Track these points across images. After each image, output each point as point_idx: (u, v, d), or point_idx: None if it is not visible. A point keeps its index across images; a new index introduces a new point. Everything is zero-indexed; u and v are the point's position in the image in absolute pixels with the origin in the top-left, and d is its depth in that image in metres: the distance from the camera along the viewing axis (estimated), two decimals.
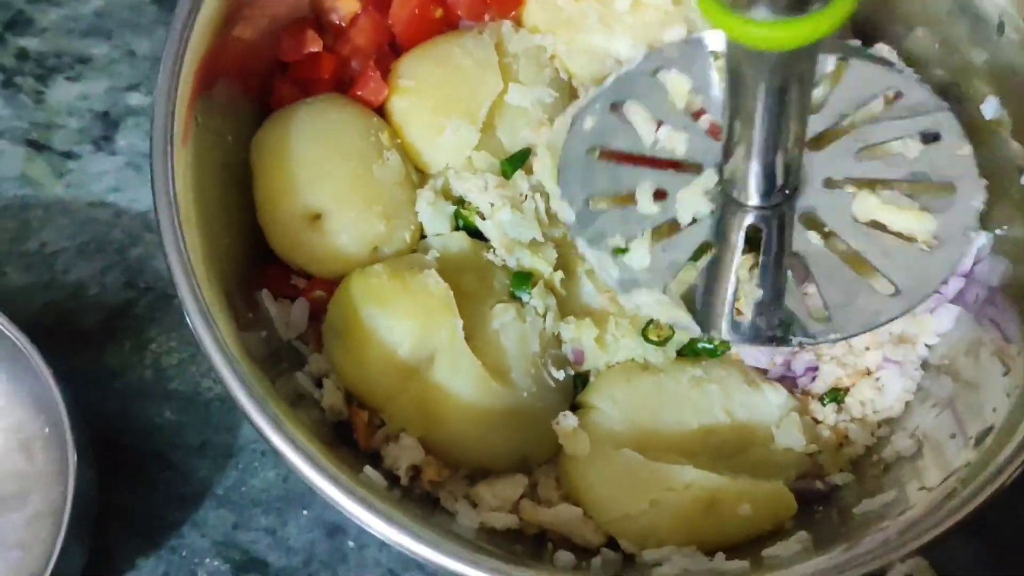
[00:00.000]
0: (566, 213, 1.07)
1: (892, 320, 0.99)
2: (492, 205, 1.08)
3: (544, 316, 1.07)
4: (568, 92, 1.18)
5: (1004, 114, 1.09)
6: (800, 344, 0.99)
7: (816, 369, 1.10)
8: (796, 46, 0.72)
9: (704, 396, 1.06)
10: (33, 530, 1.09)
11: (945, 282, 1.05)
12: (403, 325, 1.00)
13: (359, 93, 1.12)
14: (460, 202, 1.10)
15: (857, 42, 1.22)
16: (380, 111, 1.13)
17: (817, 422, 1.09)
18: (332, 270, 1.06)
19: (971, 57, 1.12)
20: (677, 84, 1.11)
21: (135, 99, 1.27)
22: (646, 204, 1.05)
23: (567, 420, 1.02)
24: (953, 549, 0.92)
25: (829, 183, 1.04)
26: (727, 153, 0.97)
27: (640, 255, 1.02)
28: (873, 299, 0.99)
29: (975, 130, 1.13)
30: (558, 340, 1.07)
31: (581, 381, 1.09)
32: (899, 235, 1.03)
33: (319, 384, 1.04)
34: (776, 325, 0.99)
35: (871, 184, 1.04)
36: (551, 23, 1.17)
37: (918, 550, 0.87)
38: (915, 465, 1.02)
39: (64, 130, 1.26)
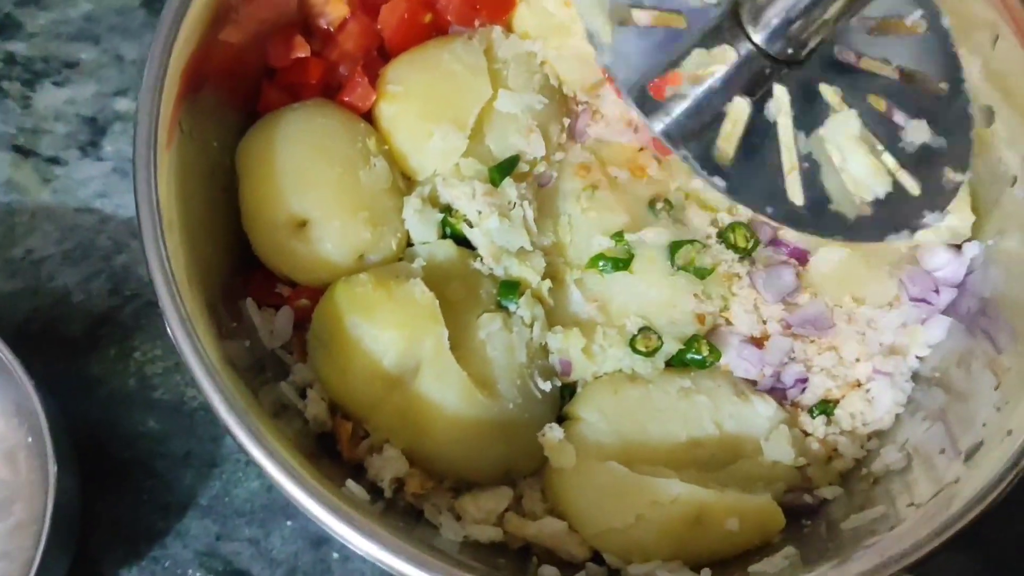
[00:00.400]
0: None
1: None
2: (480, 213, 1.06)
3: (531, 326, 1.05)
4: (559, 99, 1.16)
5: (997, 124, 1.07)
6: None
7: (806, 381, 1.09)
8: None
9: (692, 408, 1.04)
10: (16, 539, 1.07)
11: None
12: (388, 335, 0.98)
13: (346, 99, 1.10)
14: (447, 210, 1.08)
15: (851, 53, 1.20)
16: (368, 117, 1.11)
17: (806, 434, 1.08)
18: (317, 278, 1.05)
19: (965, 67, 1.10)
20: None
21: (123, 104, 1.25)
22: None
23: (553, 432, 1.00)
24: (943, 561, 0.90)
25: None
26: None
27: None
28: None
29: None
30: (545, 350, 1.06)
31: (568, 392, 1.07)
32: None
33: (303, 394, 1.02)
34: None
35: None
36: (542, 29, 1.16)
37: (908, 568, 0.85)
38: (905, 479, 1.01)
39: (51, 135, 1.24)
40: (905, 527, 0.91)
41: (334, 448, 1.01)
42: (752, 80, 0.83)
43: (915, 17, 0.93)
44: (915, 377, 1.10)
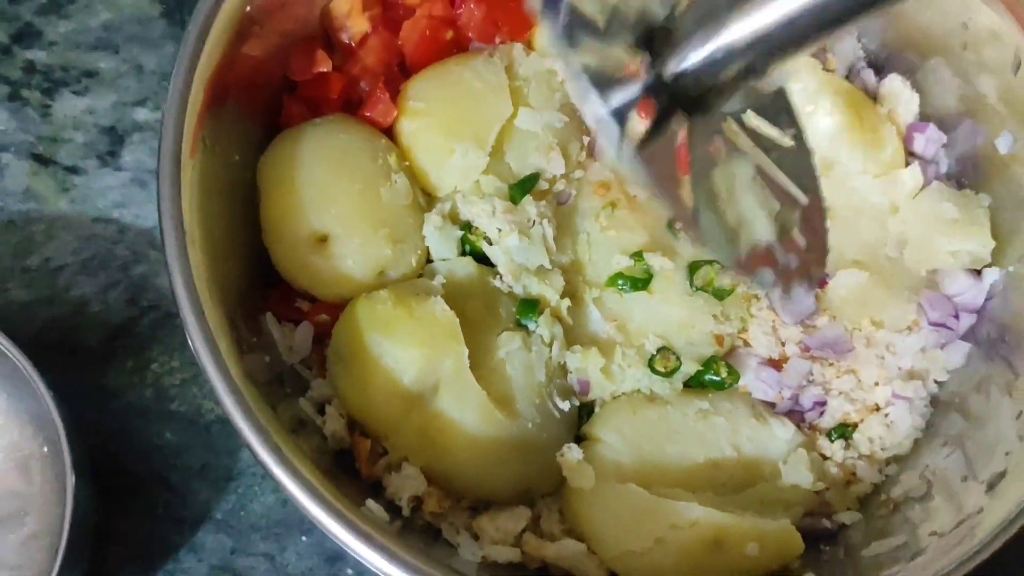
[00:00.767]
0: None
1: None
2: (500, 230, 1.06)
3: (550, 345, 1.05)
4: (578, 117, 1.15)
5: (1018, 149, 1.07)
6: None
7: (824, 404, 1.08)
8: None
9: (711, 429, 1.04)
10: (29, 551, 1.07)
11: None
12: (408, 353, 0.98)
13: (368, 114, 1.10)
14: (467, 227, 1.08)
15: (870, 72, 1.20)
16: (388, 132, 1.11)
17: (825, 458, 1.08)
18: (337, 294, 1.05)
19: (985, 91, 1.11)
20: None
21: (142, 114, 1.25)
22: None
23: (572, 453, 1.00)
24: None
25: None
26: None
27: None
28: None
29: (989, 164, 1.11)
30: (563, 370, 1.06)
31: (586, 411, 1.07)
32: None
33: (321, 410, 1.02)
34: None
35: None
36: None
37: None
38: (925, 507, 1.00)
39: (70, 144, 1.24)
40: (927, 557, 0.90)
41: (352, 465, 1.01)
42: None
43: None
44: (934, 402, 1.10)
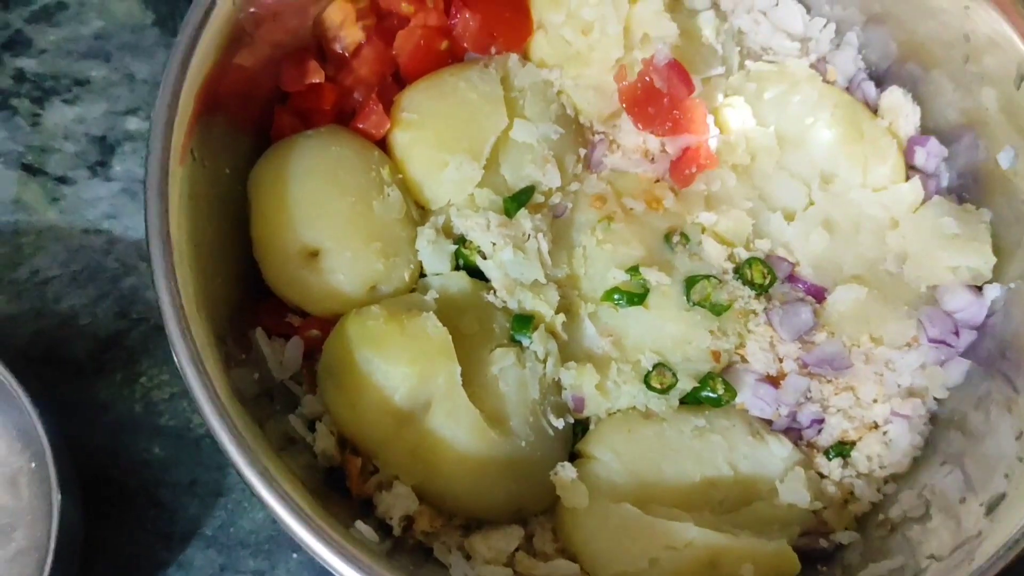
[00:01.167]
0: None
1: None
2: (494, 244, 1.06)
3: (544, 361, 1.04)
4: (575, 128, 1.15)
5: (1020, 164, 1.06)
6: None
7: (822, 421, 1.08)
8: None
9: (707, 447, 1.03)
10: (17, 567, 1.06)
11: None
12: (400, 370, 0.97)
13: (361, 126, 1.09)
14: (461, 241, 1.07)
15: (871, 84, 1.19)
16: (381, 144, 1.10)
17: (822, 477, 1.07)
18: (328, 308, 1.04)
19: (987, 104, 1.10)
20: None
21: (133, 124, 1.24)
22: None
23: (565, 471, 0.99)
24: None
25: None
26: None
27: None
28: None
29: (991, 179, 1.10)
30: (558, 386, 1.05)
31: (580, 428, 1.06)
32: None
33: (312, 427, 1.01)
34: None
35: None
36: (559, 57, 1.15)
37: None
38: (924, 528, 0.99)
39: (59, 154, 1.23)
40: None
41: (342, 483, 1.00)
42: None
43: None
44: (933, 420, 1.09)
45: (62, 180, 1.22)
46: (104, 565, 1.11)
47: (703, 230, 1.12)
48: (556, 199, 1.12)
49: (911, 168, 1.18)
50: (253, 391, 0.96)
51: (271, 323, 1.04)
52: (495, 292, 1.06)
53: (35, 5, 1.27)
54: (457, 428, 0.96)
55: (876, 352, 1.08)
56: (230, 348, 0.95)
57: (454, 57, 1.15)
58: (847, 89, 1.22)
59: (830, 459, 1.07)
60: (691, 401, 1.06)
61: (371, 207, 1.03)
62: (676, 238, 1.11)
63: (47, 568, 0.97)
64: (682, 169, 1.13)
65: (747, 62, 1.20)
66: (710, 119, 1.14)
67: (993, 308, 1.09)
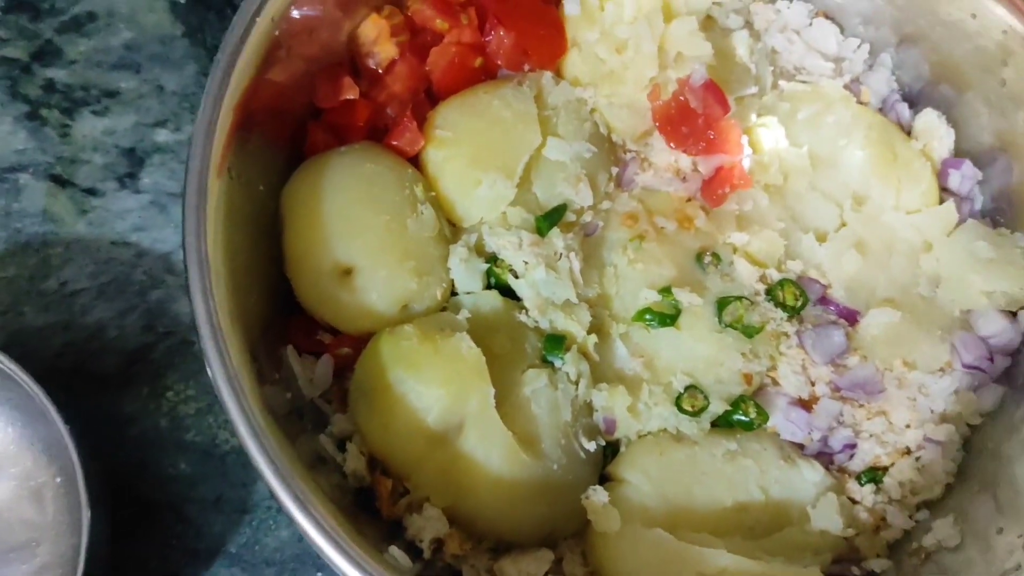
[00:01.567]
0: None
1: None
2: (526, 263, 1.05)
3: (576, 383, 1.04)
4: (607, 147, 1.15)
5: None
6: None
7: (854, 446, 1.07)
8: None
9: (739, 471, 1.03)
10: None
11: None
12: (433, 391, 0.97)
13: (394, 143, 1.09)
14: (493, 259, 1.07)
15: (904, 105, 1.19)
16: (414, 161, 1.10)
17: (854, 502, 1.06)
18: (360, 327, 1.04)
19: (1022, 128, 1.09)
20: None
21: (162, 135, 1.24)
22: None
23: (597, 495, 0.99)
24: None
25: None
26: None
27: None
28: None
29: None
30: (589, 408, 1.04)
31: (611, 450, 1.05)
32: None
33: (342, 447, 1.01)
34: None
35: None
36: (592, 76, 1.15)
37: None
38: (958, 557, 0.98)
39: (88, 166, 1.23)
40: None
41: (372, 504, 1.00)
42: None
43: None
44: (966, 446, 1.07)
45: (91, 192, 1.22)
46: None
47: (735, 250, 1.12)
48: (587, 217, 1.12)
49: (945, 191, 1.17)
50: (284, 409, 0.96)
51: (302, 340, 1.04)
52: (527, 311, 1.06)
53: (65, 16, 1.27)
54: (490, 451, 0.96)
55: (909, 377, 1.08)
56: (262, 365, 0.95)
57: (488, 74, 1.15)
58: (880, 110, 1.21)
59: (862, 484, 1.06)
60: (722, 424, 1.06)
61: (405, 225, 1.03)
62: (708, 258, 1.10)
63: None
64: (715, 189, 1.13)
65: (780, 82, 1.20)
66: (744, 139, 1.13)
67: None
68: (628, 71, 1.13)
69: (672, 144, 1.13)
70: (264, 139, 1.02)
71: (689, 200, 1.14)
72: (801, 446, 1.07)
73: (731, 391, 1.06)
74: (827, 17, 1.24)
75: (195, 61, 1.25)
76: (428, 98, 1.14)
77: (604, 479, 1.03)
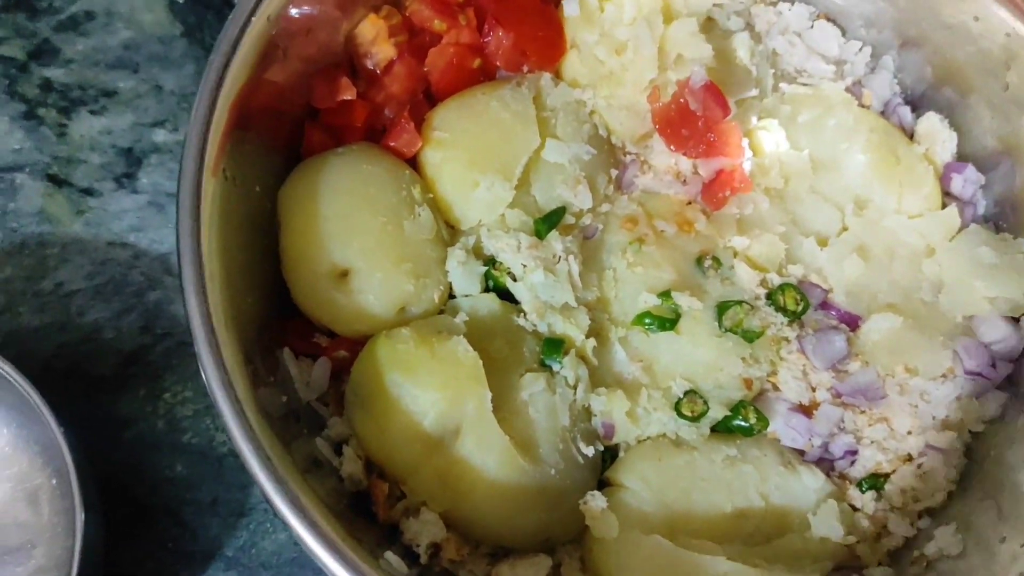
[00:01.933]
0: None
1: None
2: (524, 266, 1.05)
3: (575, 387, 1.03)
4: (607, 149, 1.14)
5: None
6: None
7: (855, 452, 1.07)
8: None
9: (738, 477, 1.02)
10: None
11: None
12: (430, 395, 0.96)
13: (392, 144, 1.09)
14: (491, 262, 1.06)
15: (907, 109, 1.18)
16: (412, 162, 1.09)
17: (855, 509, 1.05)
18: (357, 329, 1.03)
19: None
20: None
21: (160, 135, 1.23)
22: None
23: (595, 501, 0.98)
24: None
25: None
26: None
27: None
28: None
29: None
30: (588, 412, 1.04)
31: (609, 455, 1.05)
32: None
33: (338, 450, 1.00)
34: None
35: None
36: (591, 77, 1.15)
37: None
38: (960, 566, 0.98)
39: (86, 165, 1.23)
40: None
41: (368, 508, 0.99)
42: None
43: None
44: (968, 453, 1.07)
45: (88, 192, 1.21)
46: None
47: (735, 254, 1.11)
48: (587, 220, 1.11)
49: (947, 195, 1.17)
50: (279, 412, 0.95)
51: (298, 343, 1.03)
52: (525, 315, 1.05)
53: (63, 15, 1.26)
54: (487, 455, 0.95)
55: (911, 383, 1.07)
56: (257, 368, 0.94)
57: (486, 75, 1.15)
58: (882, 114, 1.21)
59: (863, 491, 1.05)
60: (722, 429, 1.05)
61: (402, 227, 1.02)
62: (708, 262, 1.10)
63: None
64: (715, 192, 1.12)
65: (781, 84, 1.20)
66: (744, 142, 1.13)
67: None
68: (628, 73, 1.13)
69: (672, 147, 1.13)
70: (260, 140, 1.02)
71: (689, 203, 1.14)
72: (801, 452, 1.06)
73: (731, 396, 1.06)
74: (829, 19, 1.23)
75: (193, 61, 1.25)
76: (426, 99, 1.13)
77: (603, 484, 1.02)
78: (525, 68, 1.15)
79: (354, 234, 1.01)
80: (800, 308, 1.08)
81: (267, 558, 1.11)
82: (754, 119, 1.16)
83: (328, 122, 1.10)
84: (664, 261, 1.09)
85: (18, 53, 1.25)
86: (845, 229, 1.14)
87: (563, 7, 1.15)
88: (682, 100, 1.11)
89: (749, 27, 1.20)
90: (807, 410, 1.07)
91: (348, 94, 1.09)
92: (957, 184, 1.16)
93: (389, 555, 0.91)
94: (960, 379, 1.07)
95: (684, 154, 1.13)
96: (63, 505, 1.06)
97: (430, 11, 1.11)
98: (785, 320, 1.08)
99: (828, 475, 1.05)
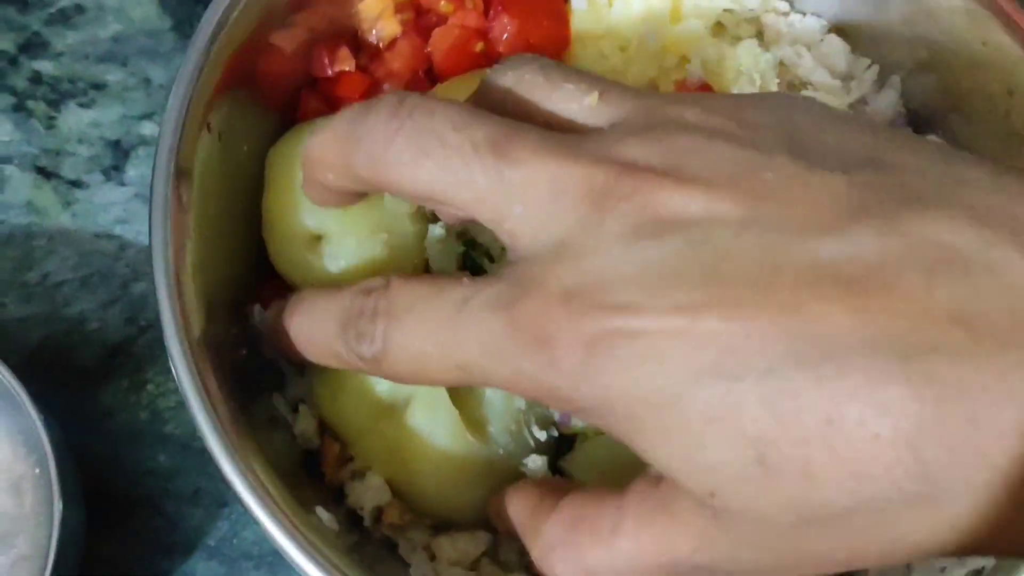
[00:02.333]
0: None
1: None
2: (503, 249, 1.03)
3: None
4: None
5: None
6: None
7: None
8: None
9: None
10: (18, 573, 1.07)
11: None
12: None
13: None
14: (471, 243, 1.06)
15: (908, 130, 1.16)
16: None
17: None
18: None
19: None
20: None
21: (148, 128, 1.26)
22: None
23: (535, 463, 0.97)
24: None
25: None
26: None
27: None
28: None
29: None
30: None
31: (566, 444, 1.04)
32: None
33: (296, 408, 1.01)
34: None
35: None
36: (593, 71, 1.12)
37: None
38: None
39: (74, 158, 1.25)
40: None
41: (318, 468, 1.00)
42: None
43: None
44: None
45: (76, 184, 1.24)
46: (105, 574, 1.11)
47: None
48: None
49: None
50: (240, 365, 0.95)
51: (269, 301, 1.03)
52: None
53: (53, 8, 1.29)
54: (435, 427, 0.95)
55: None
56: (221, 318, 0.94)
57: (488, 60, 1.15)
58: None
59: None
60: None
61: (381, 196, 1.02)
62: None
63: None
64: None
65: None
66: None
67: None
68: (630, 69, 1.13)
69: None
70: (255, 102, 1.03)
71: None
72: None
73: None
74: (840, 34, 1.21)
75: (182, 54, 1.24)
76: (427, 78, 1.14)
77: (556, 473, 1.02)
78: None
79: None
80: None
81: (248, 547, 1.12)
82: None
83: (326, 91, 1.11)
84: None
85: (8, 46, 1.28)
86: None
87: (571, 0, 1.16)
88: None
89: (759, 35, 1.20)
90: None
91: (347, 65, 1.10)
92: None
93: (320, 511, 0.91)
94: None
95: None
96: (45, 495, 1.07)
97: None
98: None
99: None
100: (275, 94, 1.08)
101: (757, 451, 0.54)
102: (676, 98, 0.72)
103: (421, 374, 0.73)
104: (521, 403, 1.00)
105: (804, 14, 1.22)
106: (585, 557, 0.65)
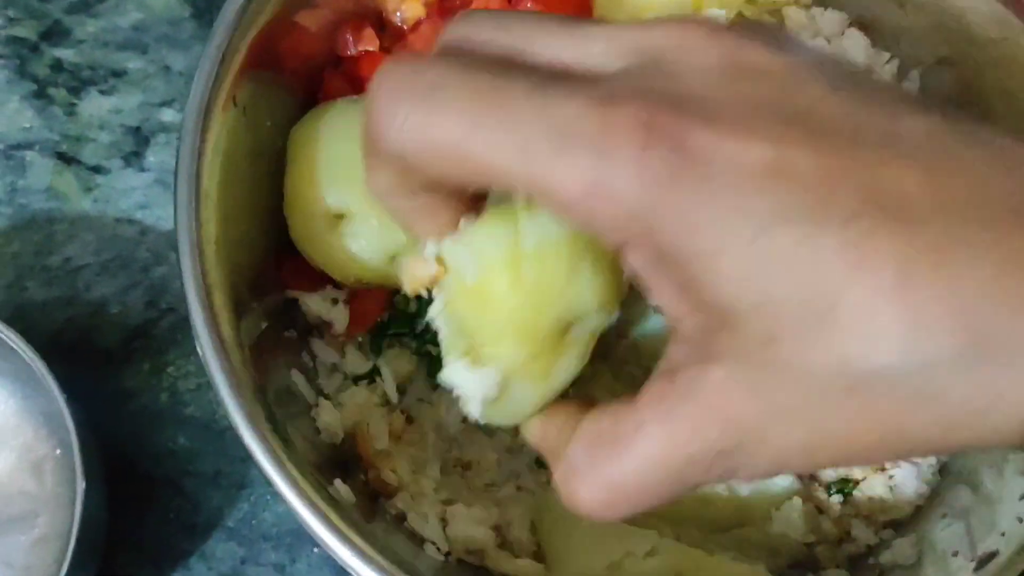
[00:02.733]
0: None
1: None
2: None
3: None
4: None
5: None
6: None
7: None
8: None
9: None
10: (38, 554, 1.11)
11: None
12: None
13: None
14: None
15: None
16: None
17: (820, 511, 1.08)
18: (347, 273, 1.06)
19: None
20: None
21: (168, 115, 1.30)
22: None
23: None
24: None
25: None
26: None
27: None
28: None
29: None
30: None
31: None
32: None
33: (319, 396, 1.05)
34: None
35: None
36: None
37: None
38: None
39: (94, 144, 1.29)
40: None
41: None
42: None
43: None
44: (943, 471, 1.09)
45: (96, 170, 1.28)
46: (126, 554, 1.16)
47: None
48: None
49: None
50: (260, 340, 0.98)
51: (290, 279, 1.08)
52: None
53: None
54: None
55: None
56: (242, 293, 0.97)
57: None
58: None
59: (831, 494, 1.08)
60: None
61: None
62: None
63: (68, 555, 1.02)
64: None
65: None
66: None
67: None
68: None
69: None
70: (280, 80, 1.06)
71: None
72: None
73: None
74: (861, 28, 1.22)
75: (201, 42, 1.30)
76: None
77: None
78: None
79: (355, 178, 1.02)
80: None
81: (267, 529, 1.17)
82: None
83: (349, 71, 1.14)
84: None
85: (29, 34, 1.33)
86: None
87: None
88: None
89: (780, 26, 1.21)
90: None
91: (371, 45, 1.13)
92: None
93: (338, 483, 0.94)
94: None
95: None
96: (66, 476, 1.12)
97: None
98: None
99: (798, 474, 1.07)
100: (299, 73, 1.11)
101: (828, 301, 0.52)
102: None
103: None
104: None
105: (826, 7, 1.24)
106: (606, 473, 0.63)
